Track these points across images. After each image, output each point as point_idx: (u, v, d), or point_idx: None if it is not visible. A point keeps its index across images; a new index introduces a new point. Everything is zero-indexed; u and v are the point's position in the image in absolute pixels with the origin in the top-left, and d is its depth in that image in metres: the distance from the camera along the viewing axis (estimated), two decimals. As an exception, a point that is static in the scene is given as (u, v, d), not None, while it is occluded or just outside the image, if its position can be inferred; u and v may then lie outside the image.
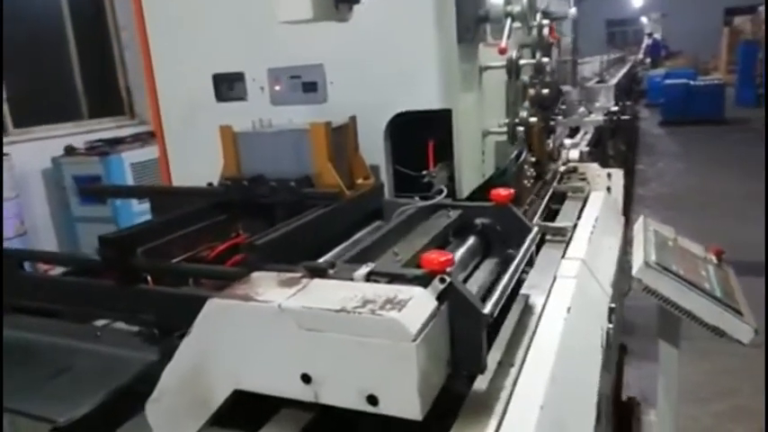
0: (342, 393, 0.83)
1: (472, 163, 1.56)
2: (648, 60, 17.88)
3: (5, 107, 4.84)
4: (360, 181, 1.38)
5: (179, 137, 1.80)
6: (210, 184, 1.40)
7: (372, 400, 0.81)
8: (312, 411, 0.90)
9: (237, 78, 1.65)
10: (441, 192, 1.34)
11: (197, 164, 1.76)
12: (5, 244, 3.90)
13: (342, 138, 1.35)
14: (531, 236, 1.22)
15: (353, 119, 1.41)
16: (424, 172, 1.51)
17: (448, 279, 0.87)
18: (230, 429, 0.95)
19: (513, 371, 0.97)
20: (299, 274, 0.95)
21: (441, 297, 0.86)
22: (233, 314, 0.87)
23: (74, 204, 4.88)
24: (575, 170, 2.36)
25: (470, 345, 0.88)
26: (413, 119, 1.53)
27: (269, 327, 0.85)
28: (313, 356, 0.83)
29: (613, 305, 1.43)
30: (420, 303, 0.82)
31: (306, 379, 0.84)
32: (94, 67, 5.75)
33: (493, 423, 0.84)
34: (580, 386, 1.05)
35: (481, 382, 0.93)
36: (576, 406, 1.00)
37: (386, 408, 0.80)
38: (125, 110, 6.07)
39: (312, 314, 0.82)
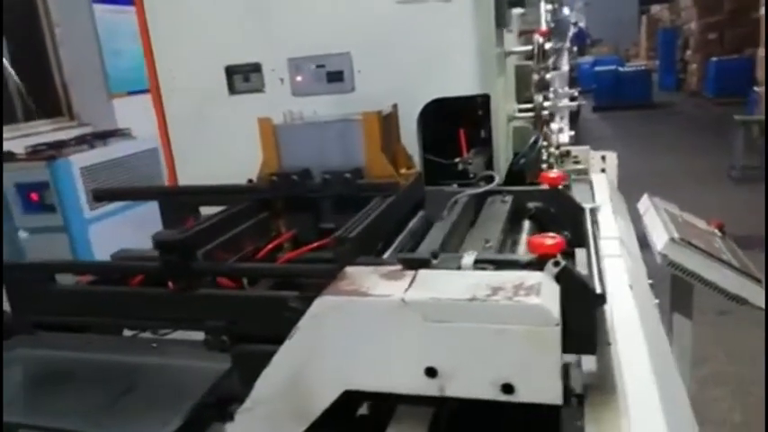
0: (473, 384, 0.80)
1: (504, 148, 1.56)
2: (575, 48, 18.62)
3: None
4: (403, 171, 1.35)
5: (186, 134, 1.70)
6: (251, 181, 1.33)
7: (508, 388, 0.79)
8: (431, 406, 0.87)
9: (254, 69, 1.58)
10: (491, 178, 1.33)
11: (208, 161, 1.68)
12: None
13: (388, 127, 1.32)
14: (588, 216, 1.23)
15: (395, 107, 1.37)
16: (458, 159, 1.50)
17: (562, 262, 0.86)
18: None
19: (612, 349, 0.98)
20: (398, 267, 0.92)
21: (557, 280, 0.85)
22: (347, 311, 0.83)
23: (17, 214, 4.55)
24: (568, 154, 2.40)
25: (584, 326, 0.87)
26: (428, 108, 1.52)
27: (390, 322, 0.81)
28: (440, 349, 0.80)
29: (651, 281, 1.47)
30: (549, 288, 0.81)
31: (431, 373, 0.81)
32: (27, 68, 5.37)
33: (620, 399, 0.84)
34: (666, 357, 1.07)
35: (590, 363, 0.93)
36: (670, 376, 1.02)
37: (523, 395, 0.79)
38: (63, 111, 5.70)
39: (441, 305, 0.79)
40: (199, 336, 1.13)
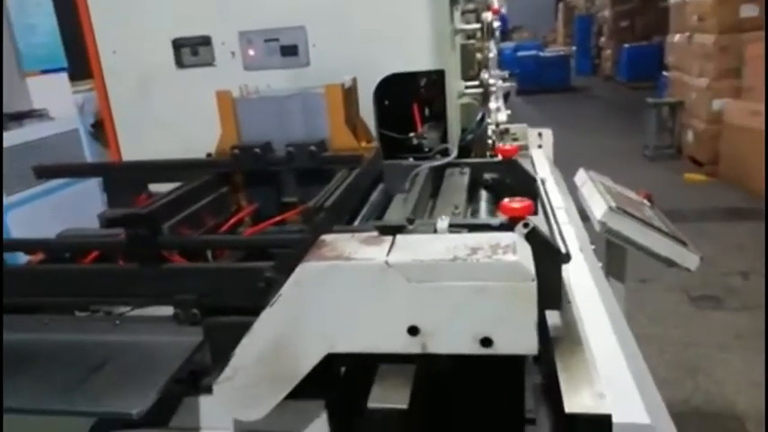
0: (453, 340, 0.84)
1: (456, 123, 1.61)
2: (498, 34, 19.10)
3: None
4: (363, 144, 1.37)
5: (130, 109, 1.64)
6: (209, 155, 1.30)
7: (487, 342, 0.83)
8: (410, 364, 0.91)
9: (203, 42, 1.53)
10: (447, 152, 1.37)
11: (154, 137, 1.63)
12: None
13: (349, 100, 1.32)
14: (541, 184, 1.30)
15: (355, 80, 1.38)
16: (412, 134, 1.53)
17: (531, 223, 0.92)
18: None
19: (573, 306, 1.05)
20: (374, 234, 0.94)
21: (526, 240, 0.90)
22: (331, 276, 0.84)
23: None
24: (507, 131, 2.49)
25: (551, 284, 0.93)
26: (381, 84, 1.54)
27: (373, 284, 0.83)
28: (423, 308, 0.83)
29: (594, 247, 1.57)
30: (523, 247, 0.86)
31: (413, 331, 0.84)
32: None
33: (586, 350, 0.91)
34: (617, 316, 1.16)
35: (554, 318, 0.99)
36: (625, 332, 1.10)
37: (501, 347, 0.83)
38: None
39: (424, 266, 0.82)
40: (158, 312, 1.12)
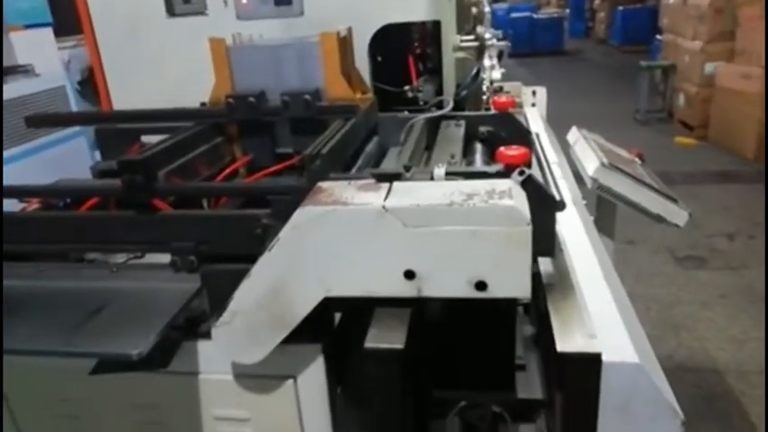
0: (448, 284, 0.86)
1: (452, 77, 1.60)
2: (491, -6, 18.78)
3: None
4: (359, 95, 1.36)
5: (120, 59, 1.61)
6: (204, 104, 1.29)
7: (481, 285, 0.85)
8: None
9: (195, -10, 1.50)
10: (443, 105, 1.37)
11: (145, 89, 1.61)
12: None
13: (344, 50, 1.31)
14: (536, 137, 1.30)
15: (350, 30, 1.36)
16: (407, 87, 1.52)
17: (527, 171, 0.92)
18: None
19: (565, 255, 1.07)
20: (371, 181, 0.94)
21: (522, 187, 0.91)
22: (330, 220, 0.85)
23: None
24: (501, 89, 2.48)
25: (545, 230, 0.94)
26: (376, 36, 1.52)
27: (371, 229, 0.84)
28: (419, 253, 0.85)
29: (585, 201, 1.58)
30: (518, 192, 0.87)
31: (409, 275, 0.86)
32: None
33: (578, 295, 0.93)
34: (607, 265, 1.18)
35: (547, 265, 1.01)
36: (615, 280, 1.12)
37: (495, 291, 0.85)
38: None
39: (421, 211, 0.83)
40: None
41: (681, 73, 7.19)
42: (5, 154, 3.92)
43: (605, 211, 2.00)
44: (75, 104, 4.49)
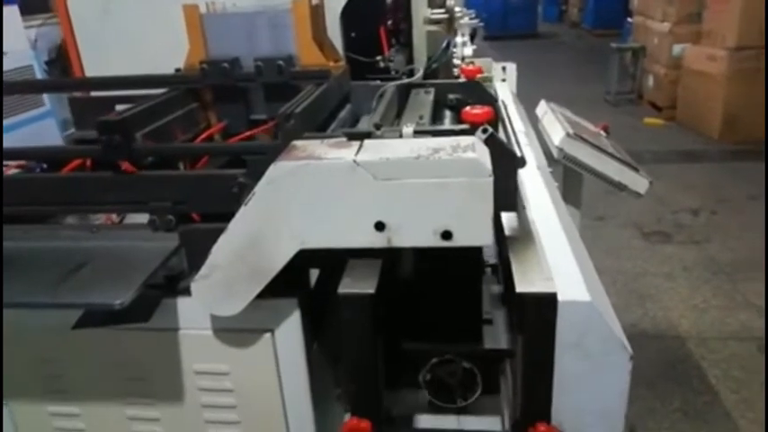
0: (416, 234, 0.91)
1: (422, 48, 1.64)
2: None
3: None
4: (331, 64, 1.39)
5: (94, 31, 1.61)
6: (178, 71, 1.31)
7: (447, 235, 0.90)
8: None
9: (166, -41, 1.51)
10: (412, 73, 1.41)
11: (118, 61, 1.62)
12: None
13: (316, 18, 1.34)
14: (502, 105, 1.36)
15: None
16: (379, 57, 1.56)
17: (490, 129, 0.98)
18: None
19: (526, 211, 1.13)
20: (343, 139, 0.99)
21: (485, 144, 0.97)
22: (304, 174, 0.89)
23: None
24: (471, 64, 2.53)
25: (507, 185, 1.00)
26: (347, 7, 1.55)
27: (343, 182, 0.89)
28: (388, 204, 0.90)
29: (551, 169, 1.65)
30: (481, 147, 0.92)
31: (379, 227, 0.91)
32: None
33: (538, 246, 0.99)
34: (567, 222, 1.25)
35: (510, 220, 1.07)
36: (574, 234, 1.19)
37: (460, 240, 0.91)
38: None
39: (390, 164, 0.88)
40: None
41: (650, 55, 7.33)
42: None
43: (572, 181, 2.07)
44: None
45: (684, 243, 4.06)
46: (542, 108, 2.17)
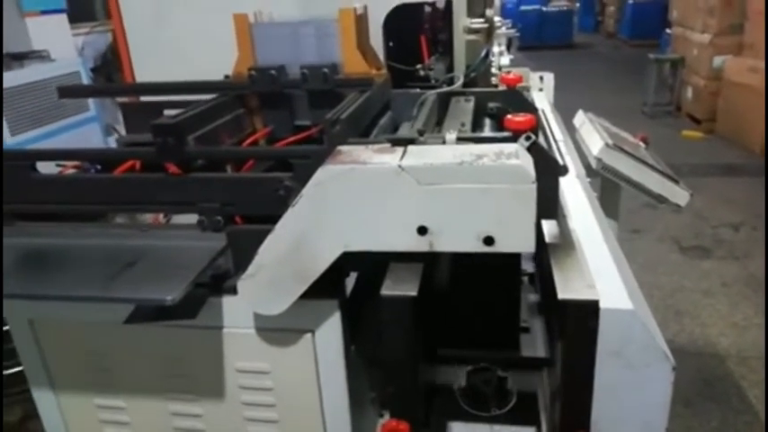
0: (458, 239, 0.92)
1: (462, 56, 1.66)
2: (501, -12, 18.72)
3: None
4: (374, 72, 1.42)
5: (146, 39, 1.68)
6: (227, 77, 1.36)
7: (489, 240, 0.91)
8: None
9: (217, -30, 1.56)
10: (452, 81, 1.43)
11: (168, 67, 1.67)
12: None
13: (360, 27, 1.37)
14: (542, 113, 1.36)
15: (366, 8, 1.43)
16: (419, 66, 1.58)
17: (533, 137, 0.99)
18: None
19: (566, 219, 1.13)
20: (387, 145, 1.01)
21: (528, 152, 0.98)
22: (349, 179, 0.92)
23: None
24: (509, 73, 2.54)
25: (549, 193, 1.01)
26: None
27: (387, 186, 0.91)
28: (431, 209, 0.91)
29: (589, 180, 1.65)
30: (524, 154, 0.93)
31: (422, 231, 0.93)
32: None
33: (578, 251, 0.99)
34: (607, 230, 1.24)
35: (550, 227, 1.07)
36: (613, 242, 1.18)
37: (502, 246, 0.91)
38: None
39: (434, 169, 0.90)
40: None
41: (689, 66, 7.20)
42: (21, 137, 4.02)
43: (609, 192, 2.06)
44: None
45: (724, 258, 3.96)
46: (580, 118, 2.16)
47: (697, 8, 6.98)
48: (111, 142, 4.38)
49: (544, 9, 13.46)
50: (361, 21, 1.39)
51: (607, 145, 1.78)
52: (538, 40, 12.85)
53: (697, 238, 4.25)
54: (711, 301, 3.47)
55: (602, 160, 1.79)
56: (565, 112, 2.32)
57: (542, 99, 2.20)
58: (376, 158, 0.94)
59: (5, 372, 2.37)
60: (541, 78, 2.49)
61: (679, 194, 1.81)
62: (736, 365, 2.91)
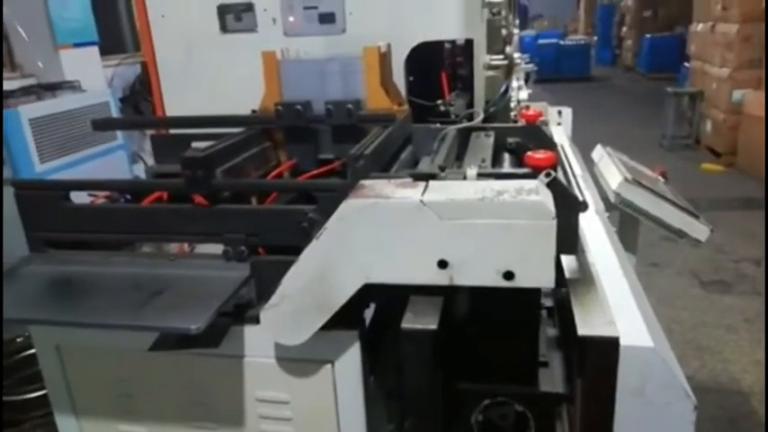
0: (479, 273, 0.94)
1: (482, 92, 1.70)
2: (518, 22, 18.96)
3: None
4: (396, 108, 1.46)
5: (176, 73, 1.74)
6: (254, 111, 1.40)
7: (509, 275, 0.93)
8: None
9: (246, 9, 1.63)
10: (472, 116, 1.46)
11: (197, 101, 1.73)
12: None
13: (384, 64, 1.42)
14: (561, 149, 1.38)
15: (389, 46, 1.47)
16: (440, 101, 1.62)
17: (553, 173, 1.01)
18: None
19: (586, 254, 1.14)
20: (409, 180, 1.04)
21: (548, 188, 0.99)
22: (372, 212, 0.94)
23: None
24: (528, 108, 2.57)
25: (569, 229, 1.02)
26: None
27: (409, 221, 0.93)
28: (452, 243, 0.93)
29: (608, 214, 1.65)
30: (544, 191, 0.95)
31: (442, 265, 0.94)
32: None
33: (597, 287, 1.00)
34: (626, 265, 1.25)
35: (569, 261, 1.08)
36: (633, 278, 1.19)
37: (522, 281, 0.93)
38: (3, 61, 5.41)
39: (455, 204, 0.92)
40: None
41: (708, 100, 7.19)
42: (50, 165, 4.13)
43: (628, 226, 2.06)
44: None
45: (746, 294, 3.90)
46: (598, 152, 2.18)
47: (715, 43, 7.01)
48: (137, 169, 4.49)
49: (562, 43, 13.60)
50: (385, 58, 1.43)
51: (626, 179, 1.79)
52: (556, 72, 12.96)
53: (718, 272, 4.19)
54: (734, 337, 3.41)
55: (621, 194, 1.80)
56: (583, 144, 2.34)
57: (561, 133, 2.22)
58: (398, 193, 0.97)
59: (29, 396, 2.40)
60: (560, 113, 2.52)
61: (699, 229, 1.81)
62: (760, 403, 2.84)
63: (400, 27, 1.55)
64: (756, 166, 6.14)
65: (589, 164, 2.28)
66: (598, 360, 0.87)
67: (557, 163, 1.03)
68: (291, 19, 1.60)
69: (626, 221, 2.04)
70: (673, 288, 3.99)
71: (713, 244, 4.46)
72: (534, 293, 1.13)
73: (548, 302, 1.40)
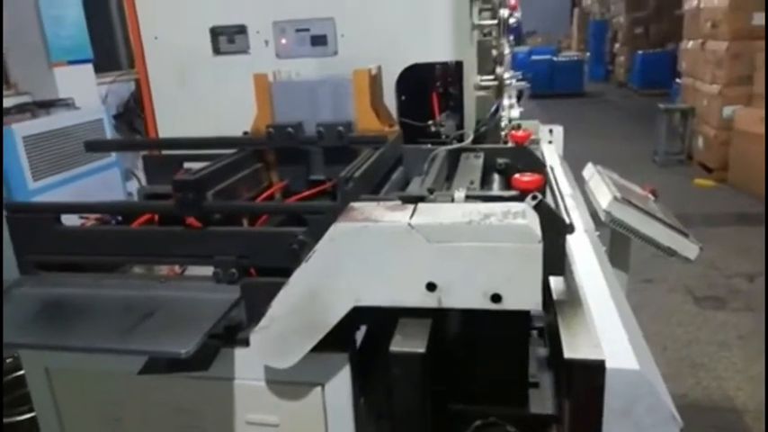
0: (466, 296, 0.94)
1: (472, 113, 1.72)
2: (512, 38, 19.14)
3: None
4: (386, 129, 1.47)
5: (169, 94, 1.76)
6: (246, 133, 1.42)
7: (496, 298, 0.93)
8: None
9: (239, 31, 1.65)
10: (462, 137, 1.48)
11: (190, 122, 1.74)
12: None
13: (374, 86, 1.43)
14: (550, 170, 1.40)
15: (380, 68, 1.49)
16: (430, 122, 1.64)
17: (539, 196, 1.02)
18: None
19: (574, 275, 1.15)
20: (398, 202, 1.05)
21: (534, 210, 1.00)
22: (361, 236, 0.95)
23: (-48, 185, 4.33)
24: (519, 126, 2.59)
25: (556, 251, 1.03)
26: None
27: (398, 244, 0.94)
28: (440, 266, 0.94)
29: (598, 233, 1.67)
30: (531, 214, 0.96)
31: (431, 287, 0.95)
32: (-43, 31, 5.07)
33: (586, 312, 1.01)
34: (615, 286, 1.26)
35: (557, 283, 1.09)
36: (621, 299, 1.20)
37: (509, 303, 0.93)
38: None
39: (443, 228, 0.93)
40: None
41: (699, 116, 7.27)
42: (43, 182, 4.13)
43: (619, 244, 2.07)
44: (110, 136, 4.71)
45: (739, 310, 3.91)
46: (589, 171, 2.20)
47: (705, 60, 7.10)
48: (131, 186, 4.49)
49: (555, 59, 13.73)
50: (375, 80, 1.45)
51: (615, 198, 1.81)
52: (549, 88, 13.07)
53: (711, 288, 4.21)
54: (727, 354, 3.41)
55: (611, 213, 1.81)
56: (576, 159, 2.36)
57: (552, 152, 2.24)
58: (387, 216, 0.97)
59: (18, 418, 2.38)
60: (551, 131, 2.54)
61: (688, 248, 1.82)
62: (754, 421, 2.84)
63: (391, 49, 1.57)
64: (747, 181, 6.19)
65: (580, 181, 2.30)
66: (584, 382, 0.87)
67: (544, 185, 1.04)
68: (284, 41, 1.62)
69: (617, 239, 2.06)
70: (667, 304, 4.00)
71: (706, 259, 4.48)
72: (523, 315, 1.13)
73: (538, 323, 1.41)
